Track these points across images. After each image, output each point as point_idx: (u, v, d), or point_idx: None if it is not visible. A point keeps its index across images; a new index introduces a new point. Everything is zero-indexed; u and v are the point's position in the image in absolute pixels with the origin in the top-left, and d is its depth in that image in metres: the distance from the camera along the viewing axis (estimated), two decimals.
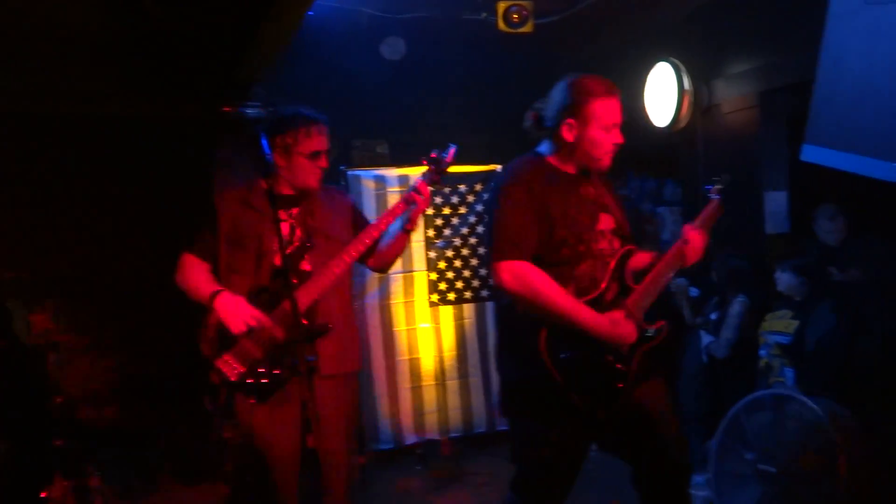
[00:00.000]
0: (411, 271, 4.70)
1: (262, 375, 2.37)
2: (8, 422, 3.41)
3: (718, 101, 4.96)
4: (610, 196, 2.41)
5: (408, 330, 4.69)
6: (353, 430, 2.63)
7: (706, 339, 4.14)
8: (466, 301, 4.80)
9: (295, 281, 2.39)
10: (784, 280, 3.88)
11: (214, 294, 2.38)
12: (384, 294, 4.64)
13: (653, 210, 6.11)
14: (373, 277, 4.62)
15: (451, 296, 4.75)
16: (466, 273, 4.78)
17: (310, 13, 4.28)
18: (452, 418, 4.75)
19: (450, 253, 4.75)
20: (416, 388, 4.69)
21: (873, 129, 2.00)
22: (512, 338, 2.32)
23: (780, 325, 3.78)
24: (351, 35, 5.08)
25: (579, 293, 2.20)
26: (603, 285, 2.24)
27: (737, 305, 4.07)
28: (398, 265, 4.63)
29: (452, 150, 2.55)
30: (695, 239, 2.33)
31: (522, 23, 4.77)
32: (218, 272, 2.50)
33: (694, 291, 4.64)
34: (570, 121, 2.25)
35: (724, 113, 4.94)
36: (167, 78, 4.04)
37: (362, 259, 2.60)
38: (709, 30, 4.97)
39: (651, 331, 2.26)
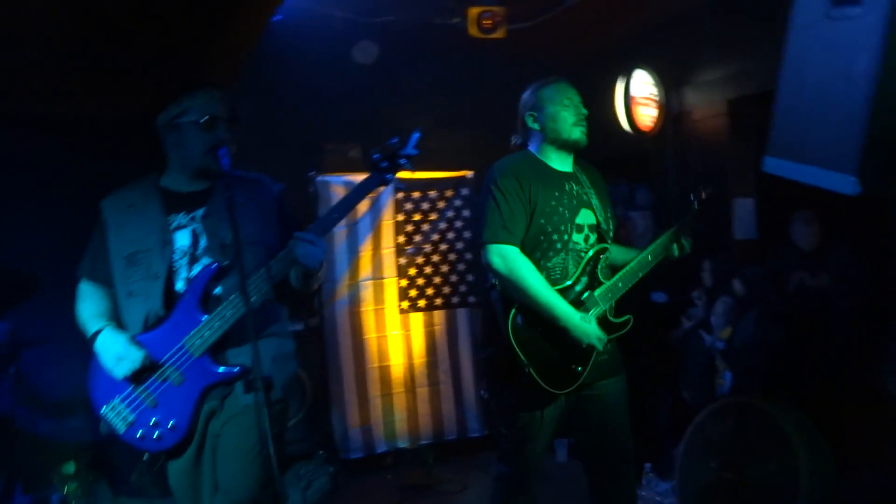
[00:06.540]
0: (381, 278, 4.67)
1: (157, 428, 2.00)
2: None
3: (689, 108, 5.00)
4: (598, 195, 2.55)
5: (378, 337, 4.66)
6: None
7: (708, 339, 4.17)
8: (436, 308, 4.77)
9: (204, 311, 1.99)
10: (736, 287, 3.99)
11: (94, 335, 2.03)
12: (354, 301, 4.60)
13: (625, 215, 6.13)
14: (343, 284, 4.58)
15: (422, 302, 4.72)
16: (437, 280, 4.75)
17: (277, 17, 4.25)
18: (423, 426, 4.72)
19: (420, 259, 4.72)
20: (387, 396, 4.65)
21: (832, 142, 1.98)
22: (490, 317, 2.49)
23: (724, 332, 3.88)
24: (322, 38, 5.04)
25: (551, 283, 2.36)
26: (573, 277, 2.41)
27: (720, 305, 4.15)
28: (367, 272, 4.64)
29: (415, 139, 2.17)
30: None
31: (494, 29, 4.75)
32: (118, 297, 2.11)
33: (660, 297, 4.66)
34: (530, 113, 2.54)
35: (694, 120, 4.97)
36: (129, 79, 3.96)
37: None
38: (679, 38, 5.00)
39: (615, 321, 2.45)
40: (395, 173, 2.14)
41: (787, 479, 2.88)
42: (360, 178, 2.37)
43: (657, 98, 4.96)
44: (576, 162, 2.59)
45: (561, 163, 2.54)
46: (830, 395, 3.40)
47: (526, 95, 2.59)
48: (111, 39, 3.63)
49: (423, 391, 4.72)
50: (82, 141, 4.56)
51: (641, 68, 4.95)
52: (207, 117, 2.04)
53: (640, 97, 4.92)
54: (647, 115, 4.95)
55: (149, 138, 2.21)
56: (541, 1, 4.92)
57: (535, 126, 2.53)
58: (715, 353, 4.09)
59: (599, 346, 2.33)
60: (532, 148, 2.57)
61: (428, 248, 4.74)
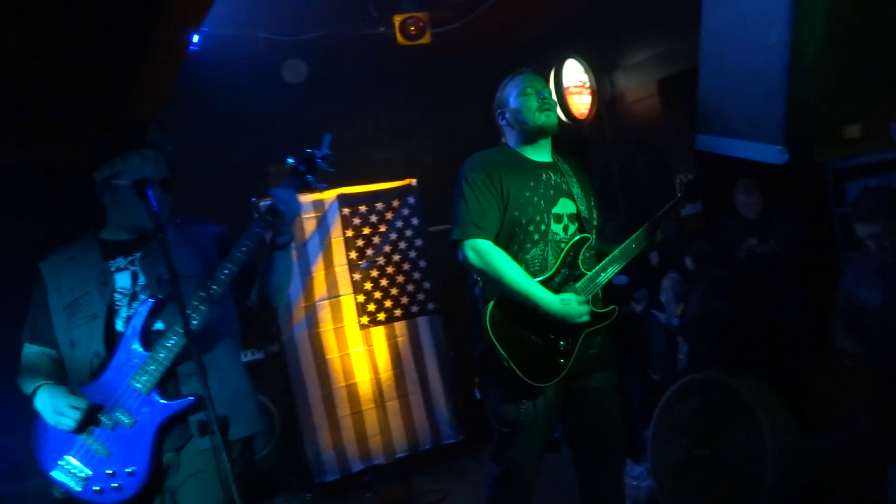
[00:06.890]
0: (337, 296, 4.61)
1: (113, 478, 1.93)
2: None
3: (621, 92, 5.06)
4: (580, 184, 2.51)
5: (341, 356, 4.59)
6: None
7: (662, 317, 4.22)
8: (397, 319, 4.73)
9: (146, 347, 1.97)
10: (687, 263, 4.07)
11: (33, 393, 1.97)
12: (312, 322, 4.53)
13: None
14: (299, 307, 4.50)
15: (381, 316, 4.68)
16: (394, 291, 4.72)
17: (197, 47, 4.17)
18: (397, 439, 4.67)
19: (374, 273, 4.68)
20: (357, 414, 4.59)
21: (756, 114, 2.03)
22: (475, 314, 2.47)
23: (678, 308, 3.95)
24: (250, 62, 4.95)
25: (530, 276, 2.35)
26: (553, 268, 2.38)
27: (667, 281, 4.21)
28: (323, 291, 4.57)
29: (327, 140, 2.22)
30: None
31: (420, 34, 4.74)
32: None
33: (621, 279, 4.71)
34: (500, 110, 2.55)
35: (627, 103, 5.03)
36: (52, 127, 3.84)
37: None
38: (604, 23, 5.05)
39: (599, 311, 2.41)
40: (313, 174, 2.17)
41: (755, 447, 2.92)
42: (301, 197, 2.39)
43: (589, 85, 5.00)
44: (557, 151, 2.58)
45: (537, 153, 2.51)
46: (786, 358, 3.46)
47: (497, 93, 2.59)
48: (29, 89, 3.52)
49: (392, 404, 4.67)
50: (11, 195, 4.39)
51: (571, 58, 4.99)
52: (139, 181, 2.00)
53: (572, 86, 4.96)
54: (582, 104, 5.00)
55: (80, 186, 2.18)
56: (463, 3, 4.92)
57: (505, 122, 2.54)
58: (673, 331, 4.15)
59: (587, 317, 2.34)
60: (509, 142, 2.57)
61: (381, 260, 4.70)
